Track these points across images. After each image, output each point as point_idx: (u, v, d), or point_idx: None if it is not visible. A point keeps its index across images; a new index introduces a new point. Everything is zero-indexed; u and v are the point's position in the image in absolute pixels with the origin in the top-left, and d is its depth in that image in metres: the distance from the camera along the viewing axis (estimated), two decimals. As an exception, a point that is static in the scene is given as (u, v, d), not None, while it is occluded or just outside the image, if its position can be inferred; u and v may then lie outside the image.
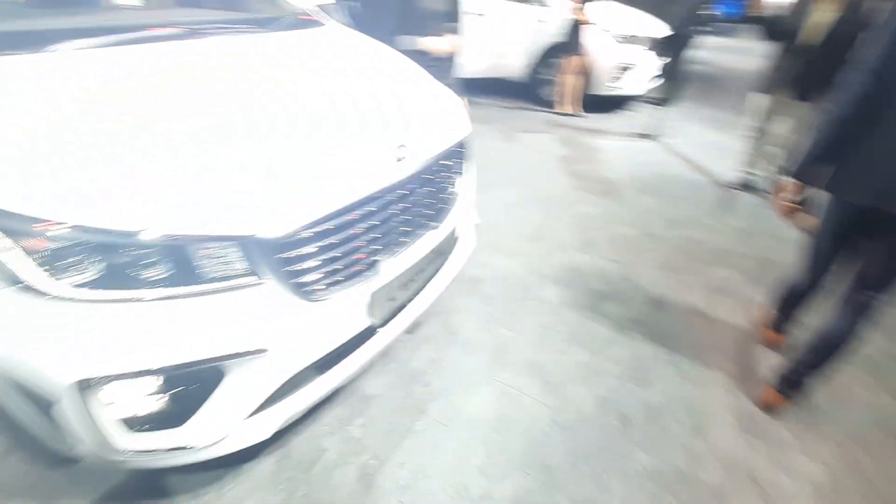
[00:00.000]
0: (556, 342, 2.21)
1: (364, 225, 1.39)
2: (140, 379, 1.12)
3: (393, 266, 1.53)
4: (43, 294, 0.99)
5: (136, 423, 1.18)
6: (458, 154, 1.89)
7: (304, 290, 1.26)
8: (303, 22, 2.13)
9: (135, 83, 1.33)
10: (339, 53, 2.01)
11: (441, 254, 1.82)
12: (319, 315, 1.32)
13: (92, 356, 1.04)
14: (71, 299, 1.01)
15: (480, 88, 5.93)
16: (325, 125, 1.45)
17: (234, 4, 2.33)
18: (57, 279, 0.99)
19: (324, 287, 1.32)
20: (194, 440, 1.24)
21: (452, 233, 1.86)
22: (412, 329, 2.18)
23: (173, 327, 1.10)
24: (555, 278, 2.67)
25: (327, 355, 1.41)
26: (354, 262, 1.40)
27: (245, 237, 1.13)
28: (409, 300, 1.70)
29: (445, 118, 1.88)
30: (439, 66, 2.67)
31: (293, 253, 1.23)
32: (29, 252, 0.98)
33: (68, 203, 1.00)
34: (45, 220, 0.98)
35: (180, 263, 1.10)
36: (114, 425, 1.15)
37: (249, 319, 1.19)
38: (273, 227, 1.16)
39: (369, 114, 1.58)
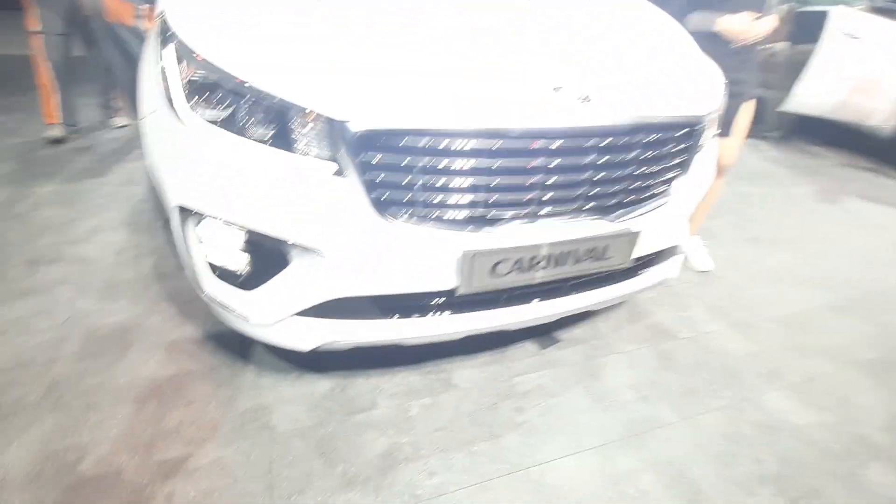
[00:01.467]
0: (742, 472, 1.39)
1: (491, 162, 1.11)
2: (227, 230, 1.17)
3: (511, 233, 1.19)
4: (181, 120, 1.13)
5: (219, 272, 1.26)
6: (682, 139, 1.36)
7: (381, 202, 1.09)
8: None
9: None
10: None
11: (601, 258, 1.35)
12: (391, 241, 1.12)
13: (195, 188, 1.14)
14: (198, 129, 1.11)
15: (818, 132, 4.48)
16: (497, 38, 1.23)
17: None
18: (193, 110, 1.11)
19: (406, 210, 1.11)
20: (252, 312, 1.25)
21: (631, 238, 1.35)
22: (546, 344, 1.76)
23: (258, 189, 1.10)
24: (794, 387, 1.71)
25: (390, 296, 1.21)
26: (459, 202, 1.14)
27: (334, 121, 1.03)
28: (527, 291, 1.32)
29: (677, 85, 1.37)
30: (740, 58, 1.98)
31: (386, 156, 1.06)
32: (187, 81, 1.12)
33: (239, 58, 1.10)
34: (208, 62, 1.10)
35: (284, 128, 1.08)
36: (203, 263, 1.25)
37: (318, 211, 1.09)
38: (366, 119, 1.03)
39: (556, 43, 1.27)
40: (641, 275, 1.57)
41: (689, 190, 1.47)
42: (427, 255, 1.16)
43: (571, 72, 1.24)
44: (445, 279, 1.20)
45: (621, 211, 1.33)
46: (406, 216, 1.11)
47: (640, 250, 1.44)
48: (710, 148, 1.58)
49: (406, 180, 1.09)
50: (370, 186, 1.07)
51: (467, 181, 1.12)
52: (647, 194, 1.37)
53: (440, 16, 1.34)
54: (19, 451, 1.22)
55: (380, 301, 1.22)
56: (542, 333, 1.82)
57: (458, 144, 1.08)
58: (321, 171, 1.07)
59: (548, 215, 1.24)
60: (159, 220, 1.33)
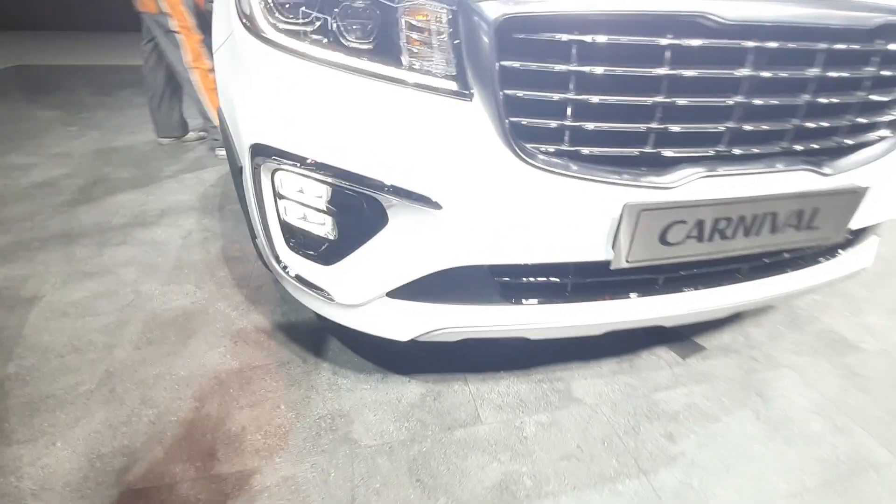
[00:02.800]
0: None
1: (662, 71, 0.78)
2: (309, 179, 0.91)
3: (691, 184, 0.84)
4: (258, 38, 0.88)
5: (298, 237, 1.01)
6: None
7: (518, 134, 0.78)
8: None
9: None
10: None
11: (808, 226, 0.97)
12: (528, 189, 0.81)
13: (274, 120, 0.88)
14: (278, 47, 0.86)
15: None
16: None
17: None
18: (272, 23, 0.87)
19: (550, 147, 0.80)
20: (333, 288, 0.98)
21: (854, 198, 0.96)
22: (686, 352, 1.38)
23: (353, 118, 0.82)
24: None
25: (520, 269, 0.90)
26: (623, 136, 0.81)
27: (461, 6, 0.74)
28: (694, 273, 0.97)
29: None
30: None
31: (528, 64, 0.76)
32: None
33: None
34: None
35: (386, 36, 0.80)
36: (277, 225, 1.00)
37: (432, 147, 0.80)
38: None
39: None
40: (838, 258, 1.16)
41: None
42: (575, 210, 0.83)
43: None
44: (595, 247, 0.87)
45: (843, 159, 0.95)
46: (549, 156, 0.80)
47: (860, 219, 1.04)
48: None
49: (555, 102, 0.78)
50: (505, 111, 0.77)
51: (636, 100, 0.79)
52: (877, 139, 0.97)
53: None
54: (64, 451, 1.02)
55: (506, 274, 0.90)
56: (677, 338, 1.43)
57: (629, 38, 0.75)
58: (439, 92, 0.78)
59: (744, 161, 0.88)
60: (231, 172, 1.10)
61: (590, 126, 0.79)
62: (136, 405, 1.13)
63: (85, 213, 1.99)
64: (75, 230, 1.86)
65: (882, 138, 0.98)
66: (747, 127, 0.85)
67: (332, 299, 0.99)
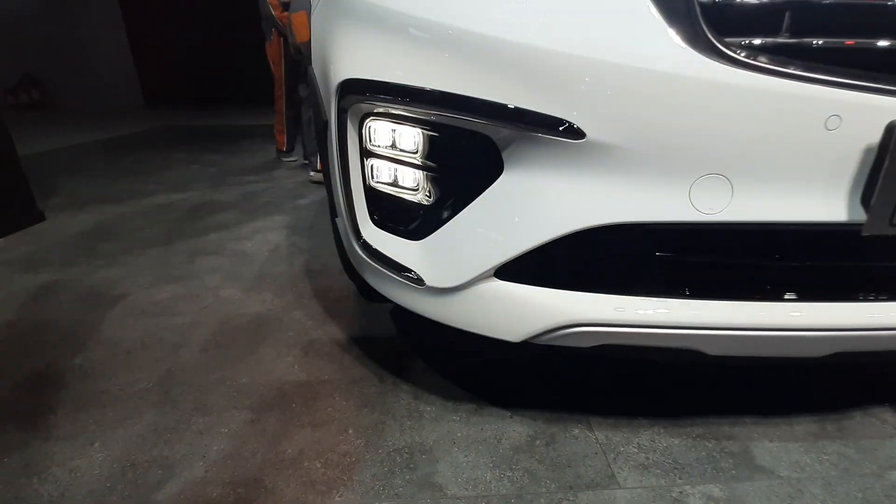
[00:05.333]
0: None
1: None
2: (406, 125, 0.73)
3: None
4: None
5: (380, 212, 0.82)
6: None
7: (712, 23, 0.53)
8: None
9: None
10: None
11: None
12: (725, 105, 0.54)
13: (371, 48, 0.72)
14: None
15: None
16: None
17: None
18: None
19: (761, 45, 0.53)
20: (424, 267, 0.75)
21: None
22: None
23: (460, 22, 0.62)
24: None
25: (701, 234, 0.60)
26: (872, 14, 0.52)
27: None
28: None
29: None
30: None
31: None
32: None
33: None
34: None
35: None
36: (362, 190, 0.82)
37: (576, 47, 0.57)
38: None
39: None
40: None
41: None
42: (799, 133, 0.54)
43: None
44: (831, 200, 0.56)
45: None
46: (758, 51, 0.53)
47: None
48: None
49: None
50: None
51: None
52: None
53: None
54: (100, 454, 0.85)
55: (678, 245, 0.61)
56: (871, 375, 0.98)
57: None
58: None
59: None
60: (315, 129, 0.96)
61: (814, 36, 0.52)
62: (188, 410, 0.95)
63: (188, 228, 2.03)
64: (175, 241, 1.88)
65: None
66: None
67: (422, 283, 0.76)
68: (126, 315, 1.32)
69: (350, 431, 0.89)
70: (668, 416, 0.92)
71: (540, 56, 0.58)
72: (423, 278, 0.76)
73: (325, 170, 0.94)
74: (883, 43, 0.53)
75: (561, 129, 0.58)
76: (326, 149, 0.88)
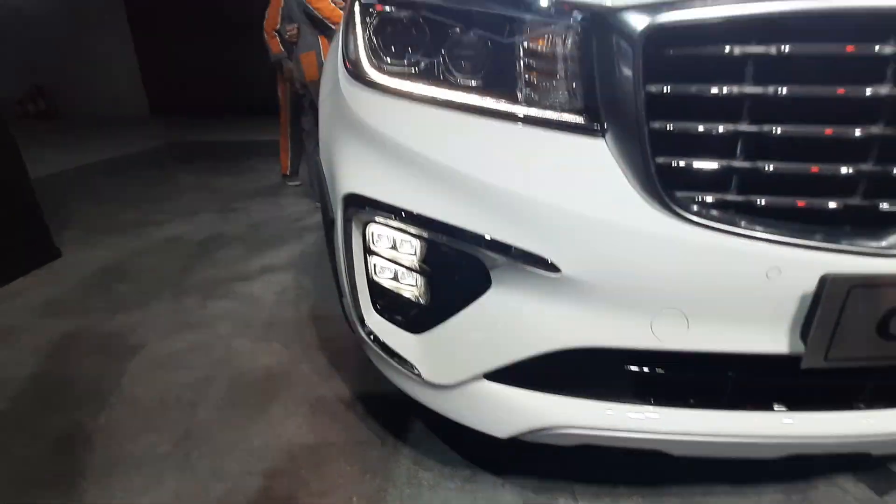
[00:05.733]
0: None
1: (882, 90, 0.57)
2: (403, 236, 0.81)
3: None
4: (360, 81, 0.83)
5: (386, 299, 0.90)
6: None
7: (665, 186, 0.61)
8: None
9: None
10: None
11: None
12: (682, 254, 0.62)
13: (370, 169, 0.80)
14: (380, 89, 0.80)
15: None
16: None
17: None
18: (376, 66, 0.81)
19: (711, 202, 0.61)
20: (419, 361, 0.84)
21: None
22: (883, 486, 1.00)
23: (458, 159, 0.71)
24: None
25: (663, 356, 0.68)
26: (816, 180, 0.60)
27: (593, 13, 0.61)
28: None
29: None
30: None
31: (680, 86, 0.60)
32: (370, 33, 0.84)
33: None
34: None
35: (499, 66, 0.70)
36: (365, 283, 0.90)
37: (553, 198, 0.65)
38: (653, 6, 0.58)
39: None
40: None
41: None
42: (745, 280, 0.62)
43: None
44: (776, 336, 0.64)
45: None
46: (709, 210, 0.61)
47: None
48: None
49: (721, 136, 0.60)
50: (650, 151, 0.60)
51: (840, 132, 0.58)
52: None
53: None
54: (127, 522, 0.94)
55: (645, 362, 0.69)
56: (867, 464, 1.05)
57: (833, 46, 0.56)
58: (564, 127, 0.65)
59: None
60: (324, 226, 1.04)
61: (769, 167, 0.59)
62: (206, 476, 1.04)
63: (198, 266, 2.12)
64: (187, 282, 1.97)
65: None
66: None
67: (419, 376, 0.84)
68: (145, 369, 1.41)
69: (354, 500, 0.98)
70: (647, 484, 1.00)
71: (522, 201, 0.66)
72: (421, 372, 0.84)
73: (331, 258, 1.02)
74: (821, 202, 0.61)
75: (539, 263, 0.67)
76: (333, 242, 0.97)
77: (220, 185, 3.56)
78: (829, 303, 0.60)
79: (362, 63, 0.83)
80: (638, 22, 0.57)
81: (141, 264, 2.15)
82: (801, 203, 0.60)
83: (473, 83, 0.71)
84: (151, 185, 3.60)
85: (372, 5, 0.84)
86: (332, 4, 2.59)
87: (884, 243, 0.60)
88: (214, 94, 7.99)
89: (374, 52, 0.81)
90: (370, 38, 0.83)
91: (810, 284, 0.60)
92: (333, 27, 2.58)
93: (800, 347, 0.63)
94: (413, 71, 0.76)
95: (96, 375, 1.38)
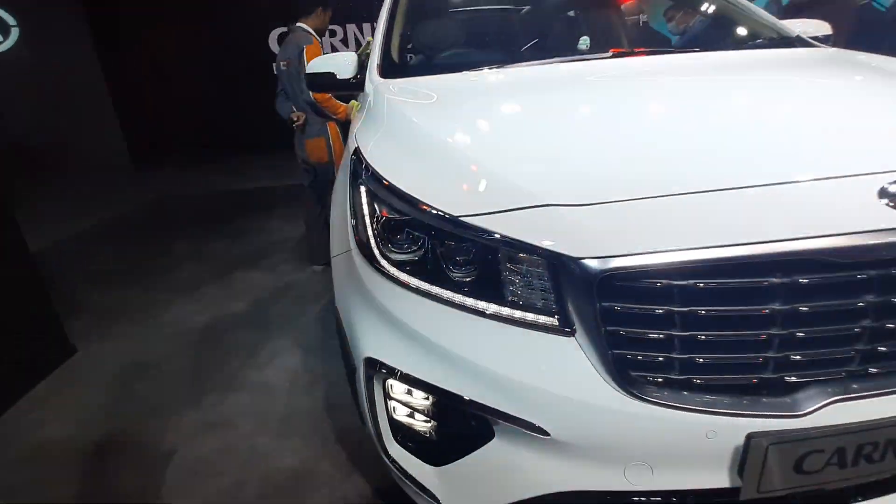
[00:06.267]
0: None
1: (776, 307, 0.76)
2: (415, 390, 0.98)
3: (824, 408, 0.78)
4: (371, 265, 1.01)
5: (405, 435, 1.06)
6: None
7: (623, 369, 0.79)
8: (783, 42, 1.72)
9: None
10: (831, 70, 1.37)
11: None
12: (636, 424, 0.80)
13: (386, 341, 0.98)
14: (389, 276, 0.98)
15: None
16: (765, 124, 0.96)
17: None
18: (385, 254, 0.99)
19: (658, 381, 0.79)
20: (441, 492, 1.00)
21: None
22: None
23: (460, 347, 0.89)
24: None
25: (635, 494, 0.86)
26: (738, 364, 0.79)
27: (562, 259, 0.79)
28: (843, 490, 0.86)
29: None
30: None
31: (631, 305, 0.78)
32: (379, 223, 1.02)
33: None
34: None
35: (487, 271, 0.88)
36: (387, 423, 1.07)
37: (536, 377, 0.83)
38: (599, 251, 0.77)
39: (837, 133, 0.93)
40: None
41: None
42: (689, 443, 0.80)
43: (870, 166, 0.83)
44: (719, 476, 0.82)
45: None
46: (656, 390, 0.79)
47: None
48: None
49: (657, 339, 0.79)
50: (607, 347, 0.79)
51: (750, 335, 0.78)
52: None
53: (671, 121, 1.10)
54: None
55: (623, 500, 0.87)
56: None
57: (738, 281, 0.76)
58: (542, 327, 0.83)
59: (883, 377, 0.80)
60: (345, 367, 1.20)
61: (700, 359, 0.78)
62: (253, 589, 1.18)
63: (211, 355, 2.24)
64: (202, 374, 2.09)
65: None
66: (882, 348, 0.79)
67: (436, 500, 1.01)
68: (179, 478, 1.54)
69: None
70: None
71: (514, 383, 0.84)
72: (439, 497, 1.00)
73: (354, 396, 1.18)
74: (741, 380, 0.80)
75: (532, 428, 0.84)
76: (355, 385, 1.13)
77: (216, 252, 3.66)
78: (754, 453, 0.78)
79: (372, 247, 1.01)
80: (594, 266, 0.76)
81: (154, 356, 2.27)
82: (726, 381, 0.79)
83: (466, 280, 0.89)
84: (149, 254, 3.68)
85: (380, 192, 1.02)
86: (338, 102, 2.71)
87: (791, 408, 0.78)
88: (201, 138, 7.90)
89: (381, 242, 0.99)
90: (378, 231, 1.00)
91: (740, 440, 0.79)
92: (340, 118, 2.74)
93: (738, 482, 0.82)
94: (416, 266, 0.94)
95: (138, 489, 1.51)
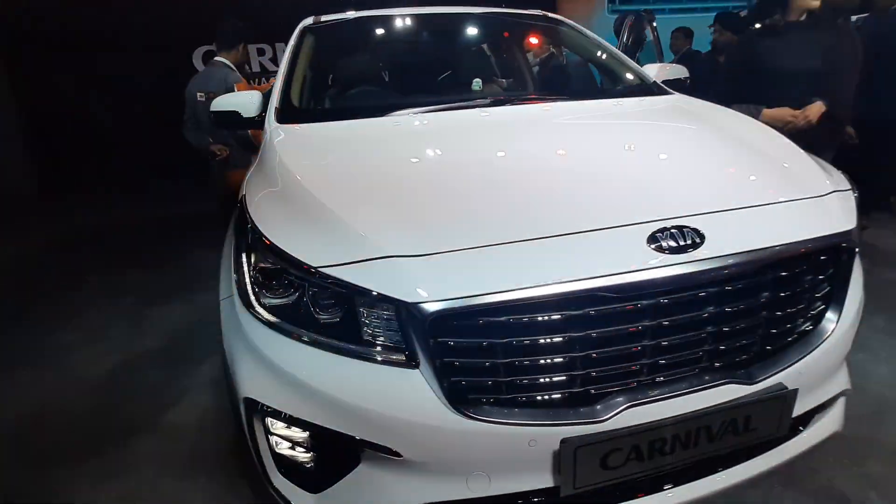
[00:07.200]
0: None
1: (584, 332, 0.94)
2: (295, 425, 1.07)
3: (621, 413, 0.96)
4: (248, 311, 1.09)
5: (286, 467, 1.14)
6: (827, 263, 1.11)
7: (456, 394, 0.93)
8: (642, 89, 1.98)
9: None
10: (659, 122, 1.63)
11: (745, 430, 1.05)
12: (471, 439, 0.94)
13: (262, 382, 1.07)
14: (264, 321, 1.06)
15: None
16: (572, 179, 1.17)
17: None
18: (260, 301, 1.08)
19: (486, 402, 0.94)
20: (317, 516, 1.09)
21: (785, 398, 1.06)
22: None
23: (325, 384, 0.99)
24: None
25: (481, 501, 0.99)
26: (549, 384, 0.96)
27: (400, 303, 0.92)
28: (657, 477, 1.04)
29: (809, 203, 1.14)
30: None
31: (461, 340, 0.93)
32: (256, 272, 1.11)
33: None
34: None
35: (347, 314, 1.00)
36: (269, 456, 1.14)
37: (390, 407, 0.96)
38: (429, 296, 0.91)
39: (631, 185, 1.14)
40: (803, 433, 1.21)
41: (850, 317, 1.15)
42: (515, 451, 0.95)
43: (668, 208, 1.04)
44: (543, 477, 0.97)
45: (762, 366, 1.05)
46: (486, 409, 0.94)
47: (800, 408, 1.12)
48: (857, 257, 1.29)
49: (482, 365, 0.94)
50: (443, 376, 0.93)
51: (557, 358, 0.95)
52: (795, 340, 1.09)
53: (503, 174, 1.27)
54: None
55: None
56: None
57: (543, 315, 0.93)
58: (391, 362, 0.95)
59: (666, 385, 1.00)
60: (231, 406, 1.26)
61: (518, 382, 0.94)
62: None
63: (117, 398, 2.18)
64: (106, 419, 2.03)
65: (799, 345, 1.09)
66: (662, 361, 0.98)
67: (316, 527, 1.09)
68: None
69: None
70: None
71: (371, 412, 0.96)
72: (317, 525, 1.09)
73: (237, 426, 1.24)
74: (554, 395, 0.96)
75: (387, 451, 0.96)
76: (238, 417, 1.19)
77: (126, 286, 3.49)
78: (566, 455, 0.94)
79: (248, 293, 1.10)
80: (425, 309, 0.90)
81: (60, 407, 2.15)
82: (540, 398, 0.95)
83: (331, 322, 1.00)
84: (54, 291, 3.47)
85: (259, 244, 1.11)
86: None
87: (594, 415, 0.96)
88: (116, 160, 7.43)
89: (258, 288, 1.08)
90: (254, 278, 1.10)
91: (556, 445, 0.95)
92: None
93: (559, 482, 0.97)
94: (287, 311, 1.04)
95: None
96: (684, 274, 0.94)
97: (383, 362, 0.95)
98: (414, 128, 1.58)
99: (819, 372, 1.13)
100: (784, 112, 2.04)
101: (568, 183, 1.16)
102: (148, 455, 1.81)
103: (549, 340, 0.93)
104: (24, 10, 6.71)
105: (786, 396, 1.04)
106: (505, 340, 0.92)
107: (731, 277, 0.99)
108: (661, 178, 1.19)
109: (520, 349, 0.93)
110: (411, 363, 0.94)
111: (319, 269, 0.98)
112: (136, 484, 1.68)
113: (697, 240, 0.97)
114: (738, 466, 1.12)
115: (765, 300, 1.03)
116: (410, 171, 1.30)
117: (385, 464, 0.99)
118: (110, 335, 2.79)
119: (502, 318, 0.91)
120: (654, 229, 0.97)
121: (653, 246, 0.95)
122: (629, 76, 2.14)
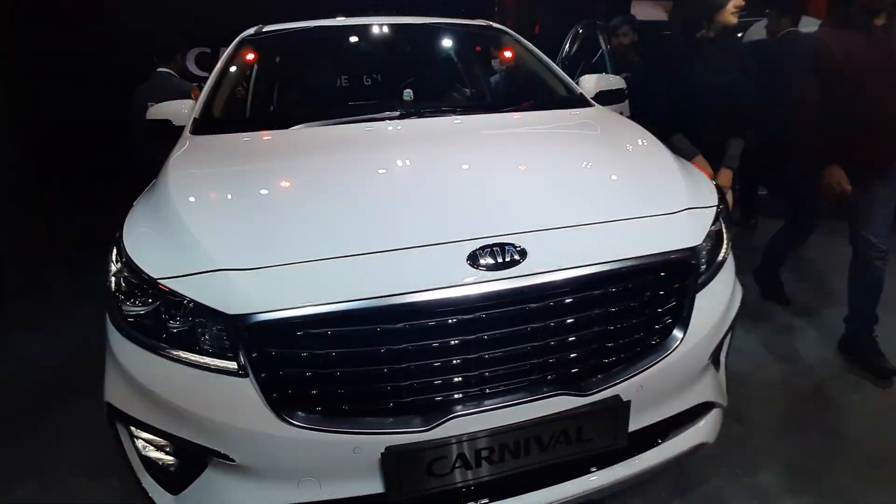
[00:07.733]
0: None
1: (404, 344, 0.97)
2: (142, 430, 1.12)
3: (444, 422, 0.99)
4: (108, 319, 1.14)
5: (151, 469, 1.19)
6: (669, 279, 1.14)
7: (279, 401, 0.97)
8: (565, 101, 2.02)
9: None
10: (551, 136, 1.67)
11: (578, 440, 1.08)
12: (295, 445, 0.98)
13: (117, 386, 1.12)
14: (119, 329, 1.11)
15: None
16: (411, 194, 1.22)
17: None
18: (118, 309, 1.12)
19: (308, 409, 0.98)
20: (174, 515, 1.14)
21: (618, 410, 1.09)
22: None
23: (169, 391, 1.03)
24: None
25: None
26: (370, 393, 0.99)
27: (226, 315, 0.97)
28: (497, 485, 1.08)
29: (631, 223, 1.16)
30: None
31: (282, 350, 0.97)
32: (117, 280, 1.15)
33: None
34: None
35: (188, 324, 1.04)
36: (135, 457, 1.19)
37: (222, 413, 1.00)
38: (250, 308, 0.95)
39: (470, 202, 1.18)
40: (660, 446, 1.23)
41: (699, 332, 1.18)
42: (341, 458, 0.99)
43: (493, 226, 1.07)
44: (371, 484, 1.01)
45: (599, 379, 1.08)
46: (309, 417, 0.98)
47: (641, 421, 1.15)
48: (728, 273, 1.31)
49: (305, 375, 0.98)
50: (267, 384, 0.97)
51: (377, 369, 0.98)
52: (631, 353, 1.12)
53: (359, 189, 1.28)
54: None
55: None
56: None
57: (362, 328, 0.97)
58: (223, 371, 1.00)
59: (496, 396, 1.03)
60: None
61: (340, 392, 0.98)
62: None
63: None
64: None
65: (637, 358, 1.11)
66: (486, 373, 1.01)
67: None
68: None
69: None
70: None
71: (208, 420, 0.99)
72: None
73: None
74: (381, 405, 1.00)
75: (221, 456, 1.00)
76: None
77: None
78: (390, 462, 0.98)
79: (111, 300, 1.14)
80: (245, 320, 0.94)
81: None
82: (368, 406, 0.99)
83: (174, 340, 1.04)
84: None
85: (120, 255, 1.15)
86: None
87: (417, 424, 0.99)
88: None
89: (122, 295, 1.12)
90: (116, 286, 1.14)
91: (379, 453, 0.98)
92: None
93: (386, 488, 1.01)
94: (144, 320, 1.08)
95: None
96: (500, 290, 0.97)
97: (216, 371, 1.00)
98: (303, 140, 1.61)
99: (665, 385, 1.15)
100: (704, 169, 2.04)
101: (411, 199, 1.20)
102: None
103: (367, 352, 0.96)
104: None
105: (618, 408, 1.07)
106: (324, 352, 0.96)
107: (556, 293, 1.02)
108: (507, 194, 1.22)
109: (340, 360, 0.96)
110: (239, 372, 0.98)
111: (158, 280, 1.03)
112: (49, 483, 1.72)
113: (517, 257, 1.00)
114: (588, 476, 1.14)
115: (597, 315, 1.06)
116: (275, 185, 1.34)
117: (227, 469, 1.03)
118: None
119: (322, 331, 0.95)
120: (476, 246, 1.00)
121: (471, 263, 0.99)
122: (557, 87, 2.17)
